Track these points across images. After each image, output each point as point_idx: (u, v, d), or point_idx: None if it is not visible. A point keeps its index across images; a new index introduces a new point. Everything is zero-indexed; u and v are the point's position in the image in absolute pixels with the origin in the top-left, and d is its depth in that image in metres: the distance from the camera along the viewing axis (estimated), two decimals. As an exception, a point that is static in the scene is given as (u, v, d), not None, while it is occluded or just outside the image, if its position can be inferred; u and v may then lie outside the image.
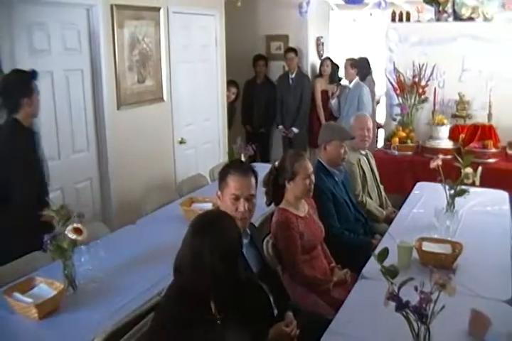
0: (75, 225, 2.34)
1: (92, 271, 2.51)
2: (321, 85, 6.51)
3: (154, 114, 4.69)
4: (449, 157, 4.50)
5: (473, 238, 2.88)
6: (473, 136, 5.02)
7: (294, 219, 2.77)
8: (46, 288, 2.30)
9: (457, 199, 3.10)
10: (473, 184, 3.15)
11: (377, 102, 6.94)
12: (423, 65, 5.27)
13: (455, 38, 5.23)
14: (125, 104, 4.31)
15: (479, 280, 2.43)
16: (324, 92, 6.49)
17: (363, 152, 3.93)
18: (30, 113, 2.94)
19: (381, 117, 6.58)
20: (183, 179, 4.56)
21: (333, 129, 3.54)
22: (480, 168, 3.20)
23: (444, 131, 5.08)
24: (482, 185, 3.24)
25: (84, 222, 2.43)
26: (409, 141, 5.21)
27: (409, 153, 5.17)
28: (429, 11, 5.45)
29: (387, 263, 1.81)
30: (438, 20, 5.37)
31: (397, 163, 5.09)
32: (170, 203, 3.69)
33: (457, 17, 5.28)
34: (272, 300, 2.24)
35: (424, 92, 5.28)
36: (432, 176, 3.26)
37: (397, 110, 5.45)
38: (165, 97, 4.79)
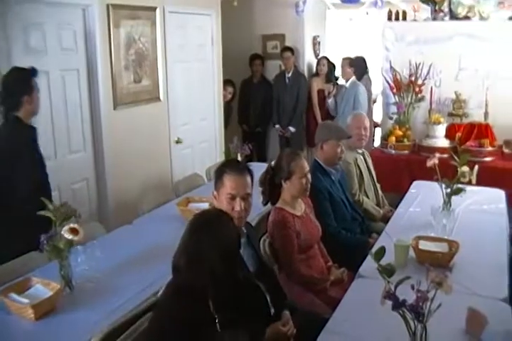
0: (72, 225, 2.34)
1: (88, 271, 2.50)
2: (317, 84, 6.52)
3: (151, 113, 4.68)
4: (445, 156, 4.50)
5: (469, 236, 2.88)
6: (470, 134, 5.02)
7: (291, 219, 2.77)
8: (42, 289, 2.30)
9: (454, 198, 3.11)
10: (469, 182, 3.16)
11: (374, 101, 6.94)
12: (419, 63, 5.27)
13: (451, 36, 5.24)
14: (121, 104, 4.31)
15: (476, 279, 2.44)
16: (320, 91, 6.49)
17: (360, 151, 3.93)
18: (31, 110, 2.97)
19: (378, 116, 6.58)
20: (179, 179, 4.56)
21: (330, 128, 3.53)
22: (476, 167, 3.20)
23: (441, 130, 5.09)
24: (478, 183, 3.24)
25: (81, 222, 2.42)
26: (405, 140, 5.21)
27: (406, 151, 5.17)
28: (426, 10, 5.45)
29: (384, 261, 1.81)
30: (434, 19, 5.37)
31: (393, 161, 5.09)
32: (166, 203, 3.68)
33: (453, 16, 5.29)
34: (268, 299, 2.24)
35: (420, 91, 5.28)
36: (428, 175, 3.26)
37: (394, 109, 5.45)
38: (161, 97, 4.79)
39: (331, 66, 6.56)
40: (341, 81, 6.32)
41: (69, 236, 2.31)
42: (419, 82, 5.26)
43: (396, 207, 3.62)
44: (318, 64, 6.58)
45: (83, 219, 3.25)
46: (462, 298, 2.15)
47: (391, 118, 5.54)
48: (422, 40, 5.37)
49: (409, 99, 5.31)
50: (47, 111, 3.67)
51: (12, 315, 2.19)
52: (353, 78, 5.96)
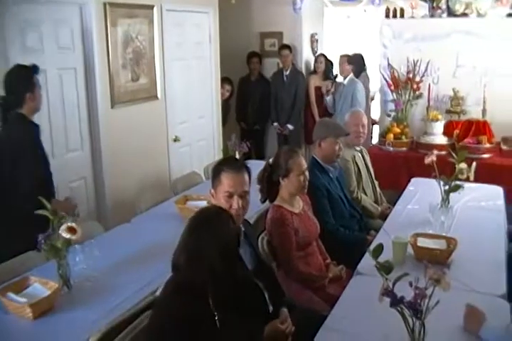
0: (69, 224, 2.33)
1: (86, 270, 2.51)
2: (314, 82, 6.51)
3: (148, 112, 4.68)
4: (443, 153, 4.48)
5: (467, 233, 2.89)
6: (468, 131, 5.02)
7: (289, 216, 2.77)
8: (40, 288, 2.30)
9: (452, 195, 3.11)
10: (467, 179, 3.16)
11: (372, 98, 6.94)
12: (417, 61, 5.27)
13: (449, 33, 5.23)
14: (119, 103, 4.30)
15: (474, 275, 2.44)
16: (318, 89, 6.49)
17: (358, 148, 3.93)
18: (33, 107, 3.02)
19: (376, 113, 6.58)
20: (177, 177, 4.55)
21: (328, 126, 3.53)
22: (474, 164, 3.20)
23: (439, 127, 5.09)
24: (476, 180, 3.24)
25: (79, 221, 2.42)
26: (403, 137, 5.21)
27: (404, 149, 5.17)
28: (423, 7, 5.45)
29: (382, 259, 1.82)
30: (432, 16, 5.37)
31: (391, 159, 5.10)
32: (164, 201, 3.68)
33: (451, 13, 5.29)
34: (266, 296, 2.24)
35: (418, 88, 5.28)
36: (426, 172, 3.26)
37: (392, 106, 5.45)
38: (159, 95, 4.78)
39: (329, 63, 6.56)
40: (339, 78, 6.31)
41: (67, 235, 2.30)
42: (417, 79, 5.26)
43: (394, 204, 3.62)
44: (315, 61, 6.58)
45: (81, 218, 3.25)
46: (460, 295, 2.16)
47: (389, 116, 5.54)
48: (420, 37, 5.37)
49: (407, 97, 5.31)
50: (44, 110, 3.65)
51: (10, 314, 2.18)
52: (351, 75, 5.95)
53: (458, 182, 3.10)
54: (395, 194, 3.88)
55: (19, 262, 2.60)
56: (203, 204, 3.33)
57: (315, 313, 2.40)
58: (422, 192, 3.71)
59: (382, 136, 5.37)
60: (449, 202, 3.10)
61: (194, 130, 5.40)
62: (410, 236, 2.70)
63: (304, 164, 2.86)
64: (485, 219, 3.23)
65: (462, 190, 3.09)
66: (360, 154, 3.92)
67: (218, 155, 5.49)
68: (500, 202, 3.60)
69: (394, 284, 1.70)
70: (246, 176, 2.36)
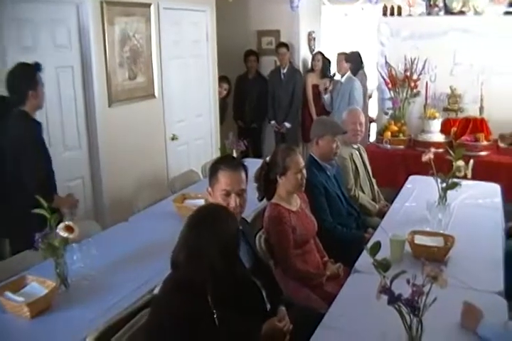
0: (67, 223, 2.33)
1: (84, 268, 2.50)
2: (311, 80, 6.51)
3: (146, 110, 4.67)
4: (440, 150, 4.50)
5: (465, 231, 2.89)
6: (465, 129, 5.03)
7: (287, 214, 2.77)
8: (38, 287, 2.29)
9: (449, 193, 3.11)
10: (465, 177, 3.16)
11: (370, 96, 6.94)
12: (415, 58, 5.27)
13: (446, 31, 5.24)
14: (116, 101, 4.29)
15: (471, 273, 2.44)
16: (315, 87, 6.48)
17: (355, 146, 3.93)
18: (36, 105, 3.05)
19: (373, 111, 6.58)
20: (175, 175, 4.55)
21: (325, 124, 3.53)
22: (472, 161, 3.20)
23: (436, 125, 5.09)
24: (474, 177, 3.25)
25: (76, 220, 2.42)
26: (401, 135, 5.21)
27: (401, 146, 5.17)
28: (421, 5, 5.45)
29: (379, 256, 1.81)
30: (429, 14, 5.38)
31: (389, 156, 5.10)
32: (162, 200, 3.68)
33: (448, 11, 5.29)
34: (264, 295, 2.24)
35: (415, 86, 5.28)
36: (424, 170, 3.27)
37: (389, 104, 5.45)
38: (156, 94, 4.77)
39: (326, 61, 6.55)
40: (337, 76, 6.31)
41: (64, 234, 2.30)
42: (415, 77, 5.26)
43: (392, 202, 3.62)
44: (313, 59, 6.57)
45: (78, 217, 3.27)
46: (457, 292, 2.16)
47: (386, 114, 5.54)
48: (417, 35, 5.37)
49: (404, 94, 5.32)
50: (41, 109, 3.65)
51: (7, 313, 2.18)
52: (349, 73, 5.94)
53: (455, 180, 3.11)
54: (392, 192, 3.88)
55: (16, 261, 2.60)
56: (201, 202, 3.34)
57: (312, 311, 2.40)
58: (419, 190, 3.71)
59: (380, 133, 5.37)
60: (446, 200, 3.10)
61: (192, 128, 5.40)
62: (408, 233, 2.70)
63: (302, 162, 2.86)
64: (482, 217, 3.23)
65: (459, 187, 3.10)
66: (357, 152, 3.93)
67: (216, 154, 5.48)
68: (498, 199, 3.60)
69: (391, 282, 1.70)
70: (243, 174, 2.36)
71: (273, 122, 6.53)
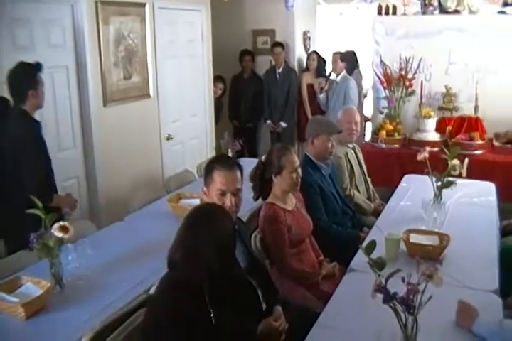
0: (62, 223, 2.32)
1: (79, 269, 2.49)
2: (307, 79, 6.50)
3: (141, 110, 4.66)
4: (436, 149, 4.51)
5: (460, 229, 2.90)
6: (460, 128, 5.04)
7: (282, 213, 2.77)
8: (33, 287, 2.28)
9: (444, 191, 3.12)
10: (460, 176, 3.18)
11: (365, 96, 6.94)
12: (410, 58, 5.28)
13: (441, 31, 5.25)
14: (111, 101, 4.28)
15: (466, 271, 2.45)
16: (310, 86, 6.47)
17: (351, 145, 3.94)
18: (36, 104, 3.05)
19: (368, 110, 6.59)
20: (170, 175, 4.55)
21: (321, 123, 3.53)
22: (467, 160, 3.22)
23: (431, 124, 5.10)
24: (469, 176, 3.27)
25: (71, 220, 2.41)
26: (396, 134, 5.22)
27: (397, 145, 5.18)
28: (415, 4, 5.46)
29: (375, 255, 1.81)
30: (424, 13, 5.39)
31: (384, 155, 5.11)
32: (157, 199, 3.68)
33: (443, 10, 5.31)
34: (260, 294, 2.24)
35: (411, 85, 5.30)
36: (419, 168, 3.27)
37: (384, 103, 5.47)
38: (151, 93, 4.76)
39: (322, 61, 6.55)
40: (332, 75, 6.31)
41: (59, 234, 2.29)
42: (410, 76, 5.28)
43: (387, 200, 3.63)
44: (308, 59, 6.56)
45: (73, 217, 3.26)
46: (453, 291, 2.17)
47: (381, 113, 5.55)
48: (412, 35, 5.38)
49: (399, 93, 5.33)
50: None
51: (2, 314, 2.17)
52: (344, 72, 5.95)
53: (450, 179, 3.11)
54: (387, 191, 3.88)
55: (11, 261, 2.59)
56: (196, 202, 3.34)
57: (308, 310, 2.40)
58: (414, 189, 3.72)
59: (375, 133, 5.38)
60: (441, 199, 3.11)
61: (187, 128, 5.39)
62: (403, 232, 2.71)
63: (297, 161, 2.86)
64: (477, 215, 3.24)
65: (455, 186, 3.11)
66: (352, 151, 3.93)
67: (211, 153, 5.47)
68: (493, 198, 3.61)
69: (387, 280, 1.71)
70: (238, 174, 2.36)
71: (269, 122, 6.52)
